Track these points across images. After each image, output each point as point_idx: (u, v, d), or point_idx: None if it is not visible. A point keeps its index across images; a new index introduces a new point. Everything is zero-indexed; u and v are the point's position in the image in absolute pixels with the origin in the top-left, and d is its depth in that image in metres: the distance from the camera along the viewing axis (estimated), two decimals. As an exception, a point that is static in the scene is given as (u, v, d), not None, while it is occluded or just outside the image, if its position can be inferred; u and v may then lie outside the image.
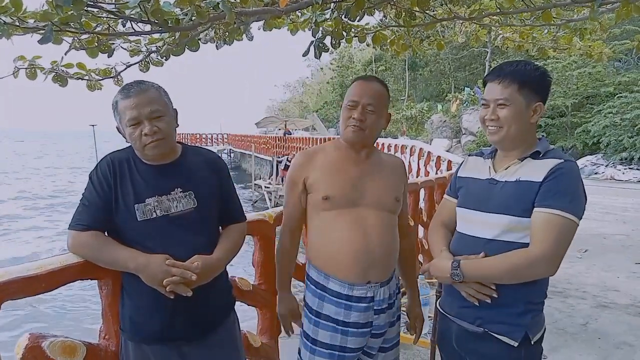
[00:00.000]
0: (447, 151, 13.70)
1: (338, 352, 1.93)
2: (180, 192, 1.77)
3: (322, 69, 51.39)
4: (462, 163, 2.00)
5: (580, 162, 17.60)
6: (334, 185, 1.94)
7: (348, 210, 1.93)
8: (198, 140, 40.43)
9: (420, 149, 11.38)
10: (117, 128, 1.79)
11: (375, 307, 1.92)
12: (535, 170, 1.63)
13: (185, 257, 1.67)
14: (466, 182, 1.89)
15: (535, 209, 1.60)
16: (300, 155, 2.08)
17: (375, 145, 2.07)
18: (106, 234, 1.72)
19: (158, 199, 1.72)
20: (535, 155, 1.69)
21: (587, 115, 19.50)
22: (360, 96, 1.95)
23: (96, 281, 1.83)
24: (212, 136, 43.51)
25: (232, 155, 41.23)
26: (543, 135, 19.86)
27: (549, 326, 4.04)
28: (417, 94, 36.59)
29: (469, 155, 2.00)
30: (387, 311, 1.95)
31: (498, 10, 3.41)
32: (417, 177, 10.55)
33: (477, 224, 1.75)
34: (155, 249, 1.66)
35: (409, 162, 11.83)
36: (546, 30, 4.13)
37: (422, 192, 4.71)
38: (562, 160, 1.62)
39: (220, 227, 1.91)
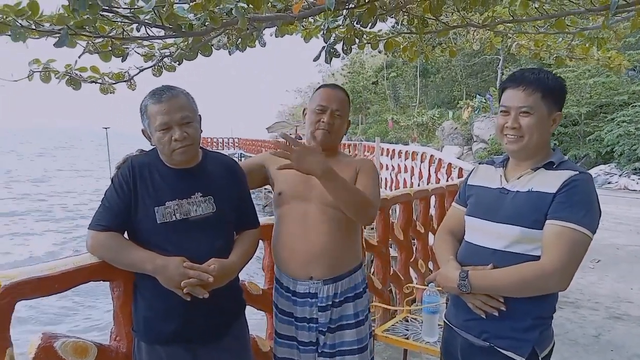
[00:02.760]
0: (458, 158, 13.65)
1: (297, 343, 2.06)
2: (200, 196, 1.81)
3: (333, 74, 51.22)
4: (472, 171, 1.97)
5: (593, 171, 17.44)
6: (286, 181, 2.05)
7: (296, 206, 2.03)
8: (209, 144, 40.82)
9: (431, 155, 11.35)
10: (143, 131, 1.82)
11: (318, 304, 1.98)
12: (549, 182, 1.60)
13: (202, 260, 1.71)
14: (476, 190, 1.85)
15: (547, 221, 1.56)
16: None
17: (339, 147, 2.22)
18: (125, 235, 1.75)
19: (178, 202, 1.76)
20: (549, 166, 1.65)
21: (601, 124, 19.33)
22: (328, 102, 2.07)
23: (108, 283, 1.87)
24: (223, 140, 43.88)
25: (242, 159, 42.12)
26: (555, 144, 19.64)
27: (560, 337, 4.01)
28: (429, 100, 36.51)
29: (479, 163, 1.97)
30: (332, 309, 1.99)
31: (511, 18, 3.40)
32: (427, 184, 10.53)
33: (486, 233, 1.71)
34: (173, 252, 1.69)
35: (420, 169, 11.80)
36: (560, 39, 4.11)
37: (432, 199, 4.70)
38: (577, 172, 1.58)
39: (235, 233, 1.94)
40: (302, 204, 2.01)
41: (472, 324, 1.71)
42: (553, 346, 1.69)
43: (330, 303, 1.98)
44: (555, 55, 4.20)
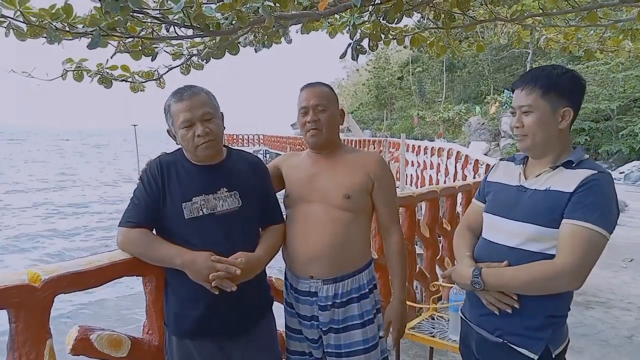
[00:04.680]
0: (485, 154, 13.45)
1: (305, 338, 2.10)
2: (226, 191, 1.85)
3: (357, 70, 50.99)
4: (492, 167, 1.97)
5: (625, 168, 16.94)
6: (292, 183, 2.11)
7: (301, 207, 2.06)
8: (235, 140, 41.26)
9: (458, 152, 11.21)
10: (168, 131, 1.87)
11: (319, 303, 2.00)
12: (567, 180, 1.58)
13: (229, 254, 1.75)
14: (495, 187, 1.85)
15: (564, 220, 1.55)
16: (283, 154, 2.29)
17: (341, 143, 2.19)
18: (154, 231, 1.79)
19: (205, 197, 1.80)
20: (568, 165, 1.63)
21: (634, 119, 18.76)
22: (307, 100, 2.06)
23: (141, 278, 1.92)
24: (248, 137, 44.08)
25: (267, 156, 41.43)
26: (586, 139, 19.08)
27: (591, 337, 3.94)
28: (455, 95, 35.95)
29: (500, 160, 1.96)
30: (333, 309, 2.00)
31: (541, 11, 3.35)
32: (454, 180, 10.38)
33: (501, 231, 1.72)
34: (201, 246, 1.73)
35: (446, 165, 11.64)
36: (592, 31, 4.01)
37: (459, 196, 4.67)
38: (596, 172, 1.56)
39: (260, 229, 1.97)
40: (306, 205, 2.05)
41: (486, 320, 1.73)
42: (568, 343, 1.70)
43: (330, 303, 1.99)
44: (584, 48, 4.09)
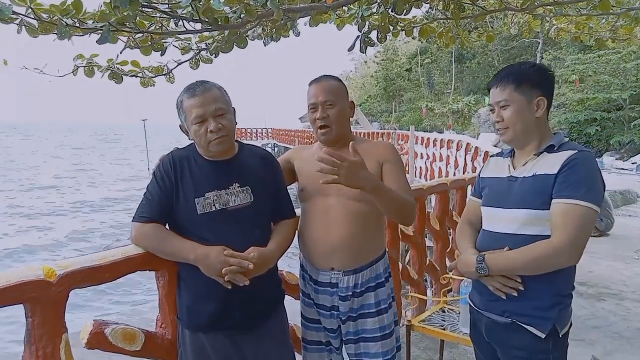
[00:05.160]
0: (495, 146, 13.32)
1: (323, 327, 2.14)
2: (238, 187, 1.85)
3: (366, 62, 50.69)
4: (484, 165, 2.09)
5: (637, 158, 16.78)
6: (307, 177, 2.10)
7: (318, 201, 2.06)
8: (243, 134, 41.12)
9: (467, 143, 11.17)
10: (181, 127, 1.88)
11: (339, 294, 2.03)
12: (551, 164, 1.68)
13: (242, 249, 1.75)
14: (488, 182, 1.97)
15: (553, 201, 1.64)
16: (295, 147, 2.29)
17: (352, 135, 2.18)
18: (167, 227, 1.80)
19: (217, 193, 1.80)
20: (550, 149, 1.74)
21: (647, 109, 18.47)
22: (316, 96, 2.06)
23: (154, 272, 1.94)
24: (256, 131, 43.95)
25: (276, 149, 41.18)
26: (597, 130, 18.91)
27: (603, 329, 3.93)
28: (464, 86, 35.74)
29: (490, 157, 2.10)
30: (352, 299, 2.03)
31: (552, 0, 3.30)
32: (464, 172, 10.31)
33: (499, 220, 1.82)
34: (213, 241, 1.73)
35: (456, 157, 11.62)
36: (604, 20, 3.96)
37: (469, 188, 4.65)
38: (576, 151, 1.66)
39: (271, 223, 1.99)
40: (323, 199, 2.05)
41: (494, 305, 1.81)
42: (570, 326, 1.79)
43: (350, 293, 2.02)
44: (596, 37, 4.04)
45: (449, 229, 4.30)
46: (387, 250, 2.20)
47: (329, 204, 2.02)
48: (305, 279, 2.15)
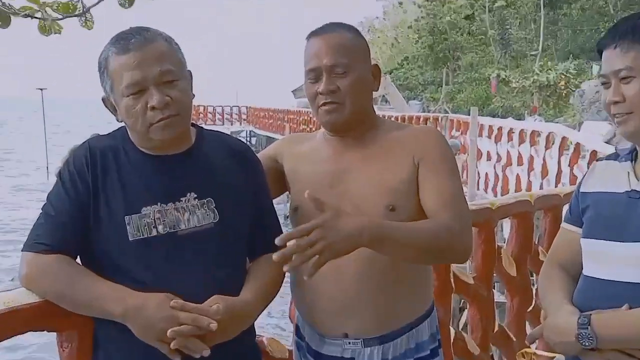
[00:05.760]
0: (608, 143, 11.02)
1: None
2: (195, 198, 1.55)
3: (401, 4, 41.80)
4: (587, 172, 1.80)
5: None
6: (304, 187, 1.68)
7: None
8: (202, 116, 33.27)
9: (563, 137, 9.35)
10: (104, 100, 1.61)
11: None
12: None
13: (199, 299, 1.49)
14: (594, 199, 1.62)
15: None
16: (284, 137, 2.06)
17: (378, 118, 1.80)
18: (78, 259, 1.57)
19: (161, 208, 1.52)
20: None
21: None
22: (318, 58, 1.68)
23: (55, 334, 1.64)
24: (222, 110, 34.90)
25: (253, 140, 33.50)
26: None
27: None
28: (559, 47, 29.02)
29: (597, 161, 1.79)
30: None
31: None
32: (557, 184, 8.69)
33: (612, 260, 1.51)
34: (153, 284, 1.48)
35: (544, 159, 9.65)
36: None
37: (564, 209, 3.55)
38: None
39: (247, 259, 1.74)
40: None
41: None
42: None
43: None
44: None
45: (532, 275, 3.59)
46: (434, 305, 1.86)
47: None
48: (301, 349, 1.83)
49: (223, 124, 32.13)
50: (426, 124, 15.37)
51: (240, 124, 33.41)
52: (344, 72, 1.68)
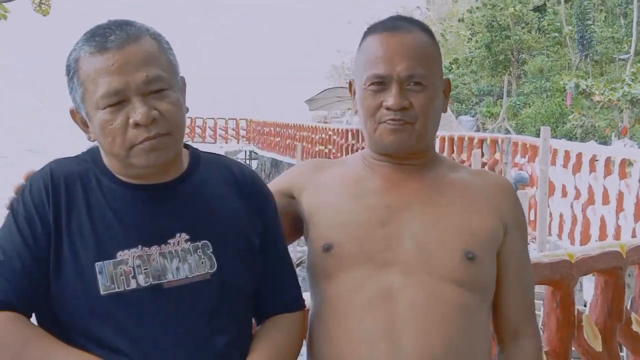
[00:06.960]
0: None
1: None
2: (187, 241, 1.28)
3: None
4: None
5: None
6: (343, 225, 1.44)
7: (368, 276, 1.44)
8: (189, 131, 31.02)
9: None
10: (72, 112, 1.37)
11: None
12: None
13: None
14: None
15: None
16: (303, 162, 1.83)
17: (437, 149, 1.82)
18: (34, 319, 1.37)
19: (143, 252, 1.26)
20: None
21: None
22: (390, 64, 1.38)
23: None
24: (214, 124, 29.71)
25: (254, 163, 29.34)
26: None
27: None
28: None
29: None
30: None
31: None
32: None
33: None
34: (131, 353, 1.24)
35: (637, 195, 8.41)
36: None
37: None
38: None
39: (253, 320, 1.55)
40: (380, 274, 1.41)
41: None
42: None
43: None
44: None
45: (622, 350, 3.30)
46: None
47: (393, 286, 1.40)
48: None
49: (215, 142, 27.08)
50: (481, 146, 13.00)
51: (238, 141, 28.41)
52: (420, 84, 1.40)
